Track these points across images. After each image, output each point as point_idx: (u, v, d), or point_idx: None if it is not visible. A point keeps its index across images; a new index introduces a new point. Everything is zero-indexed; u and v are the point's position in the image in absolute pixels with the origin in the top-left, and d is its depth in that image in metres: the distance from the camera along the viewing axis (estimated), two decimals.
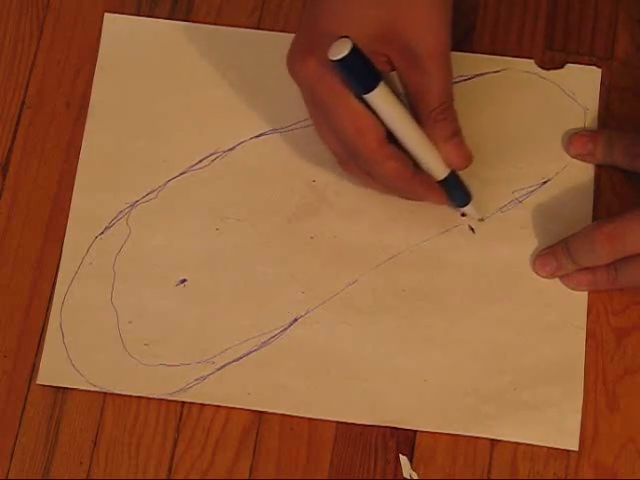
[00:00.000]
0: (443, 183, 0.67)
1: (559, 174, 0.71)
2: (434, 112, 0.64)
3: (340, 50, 0.60)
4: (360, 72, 0.61)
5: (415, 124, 0.65)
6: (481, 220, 0.70)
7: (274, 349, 0.69)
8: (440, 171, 0.66)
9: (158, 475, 0.67)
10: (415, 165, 0.66)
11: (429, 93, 0.64)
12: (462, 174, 0.69)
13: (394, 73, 0.65)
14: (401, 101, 0.64)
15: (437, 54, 0.64)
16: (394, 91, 0.63)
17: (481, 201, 0.70)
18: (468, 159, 0.67)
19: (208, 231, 0.71)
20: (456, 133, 0.66)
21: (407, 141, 0.65)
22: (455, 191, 0.68)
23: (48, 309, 0.70)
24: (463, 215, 0.71)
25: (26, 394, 0.69)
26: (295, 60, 0.64)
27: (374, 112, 0.63)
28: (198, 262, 0.70)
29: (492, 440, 0.67)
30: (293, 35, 0.70)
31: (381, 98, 0.62)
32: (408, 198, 0.69)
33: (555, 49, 0.74)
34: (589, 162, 0.71)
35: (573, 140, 0.71)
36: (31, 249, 0.71)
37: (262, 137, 0.73)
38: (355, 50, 0.60)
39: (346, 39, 0.60)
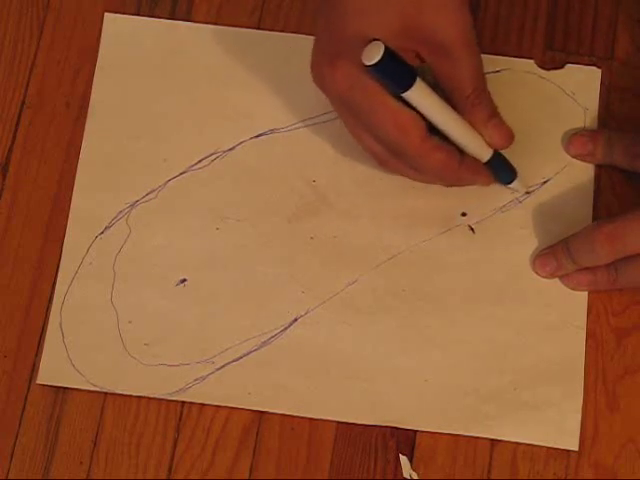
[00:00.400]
0: (489, 164, 0.68)
1: (559, 174, 0.71)
2: (470, 97, 0.65)
3: (373, 54, 0.60)
4: (396, 73, 0.62)
5: (454, 112, 0.65)
6: (527, 193, 0.71)
7: (274, 349, 0.69)
8: (485, 153, 0.67)
9: (158, 475, 0.67)
10: (460, 152, 0.66)
11: (462, 80, 0.65)
12: None
13: (424, 65, 0.65)
14: (437, 92, 0.64)
15: (464, 41, 0.64)
16: (429, 84, 0.64)
17: (480, 199, 0.70)
18: (510, 137, 0.67)
19: (208, 231, 0.71)
20: (494, 114, 0.67)
21: (450, 130, 0.65)
22: (501, 170, 0.69)
23: (48, 309, 0.70)
24: (463, 215, 0.71)
25: (26, 394, 0.69)
26: (322, 67, 0.64)
27: (412, 108, 0.63)
28: (198, 262, 0.70)
29: (492, 440, 0.67)
30: (293, 35, 0.70)
31: (419, 94, 0.63)
32: (456, 185, 0.69)
33: (555, 49, 0.74)
34: (589, 162, 0.71)
35: (573, 140, 0.71)
36: (31, 249, 0.71)
37: (262, 137, 0.73)
38: (388, 52, 0.60)
39: (377, 42, 0.61)
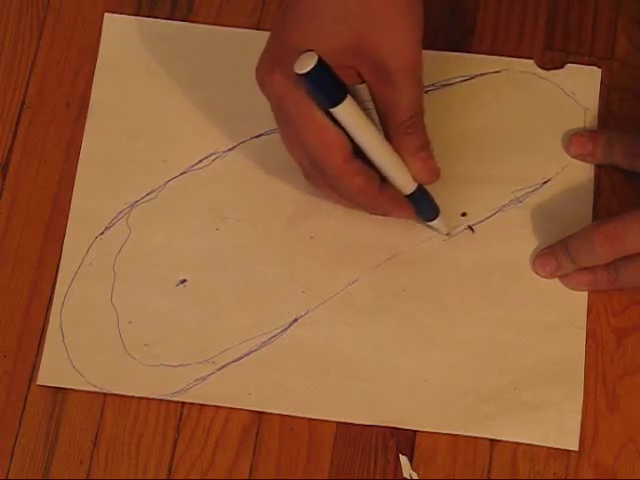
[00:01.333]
0: (411, 197, 0.66)
1: (559, 174, 0.71)
2: (403, 125, 0.64)
3: (306, 64, 0.59)
4: (326, 86, 0.61)
5: (382, 138, 0.64)
6: (448, 235, 0.70)
7: (274, 349, 0.69)
8: (408, 185, 0.66)
9: (158, 475, 0.67)
10: (382, 179, 0.65)
11: (399, 106, 0.64)
12: (460, 176, 0.70)
13: (363, 86, 0.65)
14: (368, 115, 0.63)
15: (408, 67, 0.63)
16: (362, 104, 0.63)
17: (480, 200, 0.70)
18: (435, 174, 0.66)
19: (208, 231, 0.71)
20: (424, 147, 0.65)
21: (374, 155, 0.64)
22: (423, 205, 0.68)
23: (48, 309, 0.70)
24: (463, 215, 0.71)
25: (26, 394, 0.69)
26: (263, 72, 0.63)
27: (341, 126, 0.62)
28: (198, 262, 0.70)
29: (492, 440, 0.67)
30: None
31: (347, 112, 0.62)
32: (374, 213, 0.69)
33: (555, 49, 0.74)
34: (589, 162, 0.71)
35: (573, 140, 0.71)
36: (31, 249, 0.71)
37: (262, 137, 0.73)
38: (320, 64, 0.59)
39: (311, 53, 0.60)
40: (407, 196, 0.66)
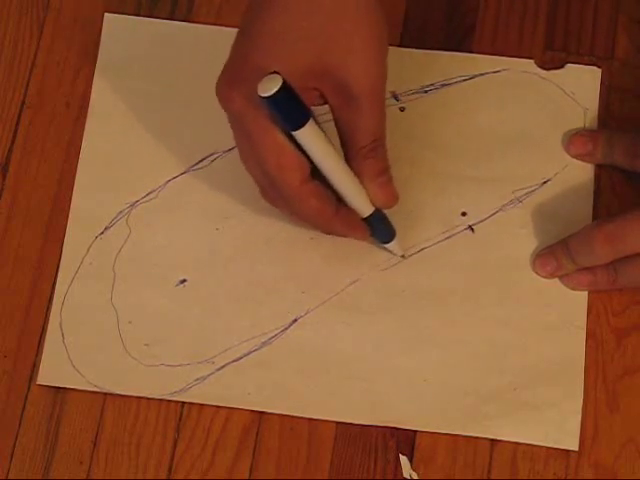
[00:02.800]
0: (367, 220, 0.66)
1: (559, 174, 0.71)
2: (364, 149, 0.63)
3: (270, 87, 0.58)
4: (289, 109, 0.60)
5: (342, 161, 0.64)
6: (402, 257, 0.70)
7: (274, 349, 0.69)
8: (365, 209, 0.66)
9: (158, 475, 0.67)
10: (339, 200, 0.65)
11: (361, 130, 0.63)
12: (460, 176, 0.70)
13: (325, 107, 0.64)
14: (328, 137, 0.63)
15: (372, 91, 0.62)
16: (321, 126, 0.62)
17: (480, 200, 0.70)
18: (393, 199, 0.66)
19: (208, 231, 0.71)
20: (384, 172, 0.65)
21: (333, 178, 0.64)
22: (379, 228, 0.68)
23: (48, 309, 0.70)
24: (463, 215, 0.71)
25: (26, 394, 0.69)
26: (223, 88, 0.62)
27: (300, 148, 0.62)
28: (198, 262, 0.70)
29: (492, 440, 0.67)
30: None
31: (309, 136, 0.61)
32: (329, 234, 0.68)
33: (555, 49, 0.74)
34: (589, 162, 0.71)
35: (573, 140, 0.71)
36: (31, 249, 0.71)
37: None
38: (285, 87, 0.58)
39: (276, 75, 0.58)
40: (364, 218, 0.66)
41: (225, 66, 0.63)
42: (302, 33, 0.61)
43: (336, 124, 0.64)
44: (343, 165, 0.64)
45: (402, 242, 0.69)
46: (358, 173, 0.64)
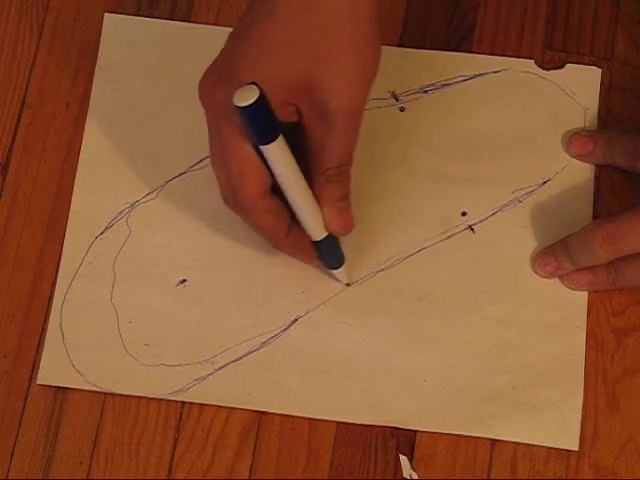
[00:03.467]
0: (318, 244, 0.66)
1: (559, 174, 0.71)
2: (328, 172, 0.63)
3: (245, 97, 0.58)
4: (261, 123, 0.59)
5: (304, 183, 0.63)
6: (347, 285, 0.69)
7: (274, 349, 0.69)
8: (318, 233, 0.65)
9: (158, 475, 0.67)
10: (294, 219, 0.65)
11: (329, 152, 0.62)
12: (460, 176, 0.70)
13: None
14: (295, 154, 0.62)
15: (349, 113, 0.62)
16: (289, 142, 0.61)
17: (480, 200, 0.70)
18: (349, 227, 0.65)
19: (208, 231, 0.71)
20: (344, 198, 0.64)
21: (291, 198, 0.63)
22: (329, 254, 0.67)
23: (48, 309, 0.70)
24: (463, 215, 0.71)
25: (26, 394, 0.69)
26: (205, 85, 0.62)
27: (265, 161, 0.61)
28: (198, 262, 0.70)
29: (492, 440, 0.67)
30: None
31: (276, 153, 0.61)
32: (277, 249, 0.68)
33: (555, 49, 0.74)
34: (589, 162, 0.71)
35: (573, 140, 0.71)
36: (31, 249, 0.71)
37: None
38: (261, 100, 0.58)
39: (254, 87, 0.58)
40: (315, 242, 0.66)
41: (212, 65, 0.63)
42: (290, 47, 0.61)
43: (306, 142, 0.63)
44: (304, 187, 0.63)
45: (354, 268, 0.69)
46: (318, 195, 0.64)
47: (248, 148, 0.61)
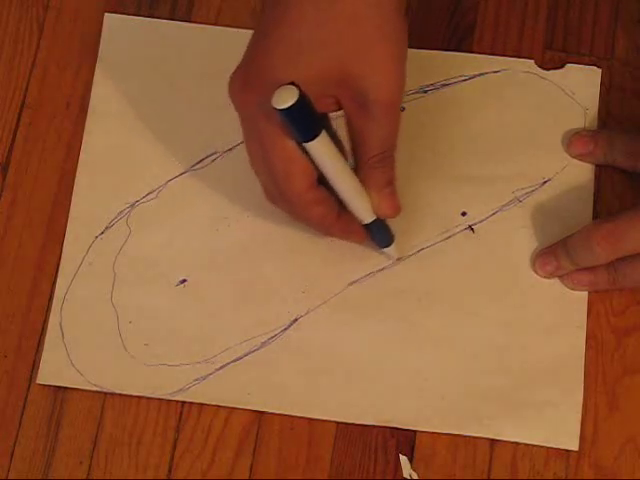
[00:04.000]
0: (367, 227, 0.67)
1: (559, 174, 0.71)
2: (373, 159, 0.63)
3: (284, 98, 0.58)
4: (302, 122, 0.60)
5: (349, 172, 0.63)
6: (398, 260, 0.70)
7: (274, 349, 0.69)
8: (367, 217, 0.66)
9: (158, 475, 0.67)
10: (341, 205, 0.65)
11: (372, 139, 0.63)
12: (460, 176, 0.70)
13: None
14: (337, 146, 0.63)
15: (388, 101, 0.62)
16: (332, 133, 0.62)
17: (480, 200, 0.70)
18: (396, 210, 0.66)
19: (208, 231, 0.71)
20: (390, 183, 0.65)
21: (338, 187, 0.64)
22: (379, 234, 0.68)
23: (48, 309, 0.70)
24: (463, 215, 0.71)
25: (26, 394, 0.69)
26: (235, 89, 0.62)
27: (309, 156, 0.62)
28: (198, 262, 0.70)
29: (492, 440, 0.67)
30: None
31: (319, 148, 0.61)
32: (328, 236, 0.69)
33: (555, 49, 0.74)
34: (589, 162, 0.71)
35: (573, 140, 0.71)
36: (31, 249, 0.71)
37: None
38: (301, 100, 0.58)
39: (292, 87, 0.58)
40: (365, 225, 0.66)
41: (239, 67, 0.63)
42: (320, 42, 0.61)
43: (348, 130, 0.64)
44: (349, 175, 0.64)
45: (401, 244, 0.69)
46: (364, 182, 0.64)
47: (290, 145, 0.61)
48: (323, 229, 0.67)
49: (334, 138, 0.63)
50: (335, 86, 0.62)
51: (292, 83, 0.58)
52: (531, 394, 0.67)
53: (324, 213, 0.65)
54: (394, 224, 0.68)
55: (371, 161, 0.63)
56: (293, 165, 0.62)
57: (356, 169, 0.64)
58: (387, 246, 0.69)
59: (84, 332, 0.69)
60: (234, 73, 0.63)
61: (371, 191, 0.65)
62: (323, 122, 0.61)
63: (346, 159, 0.64)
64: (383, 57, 0.62)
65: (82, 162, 0.73)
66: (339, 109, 0.64)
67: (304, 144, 0.61)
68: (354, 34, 0.61)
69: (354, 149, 0.64)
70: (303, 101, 0.58)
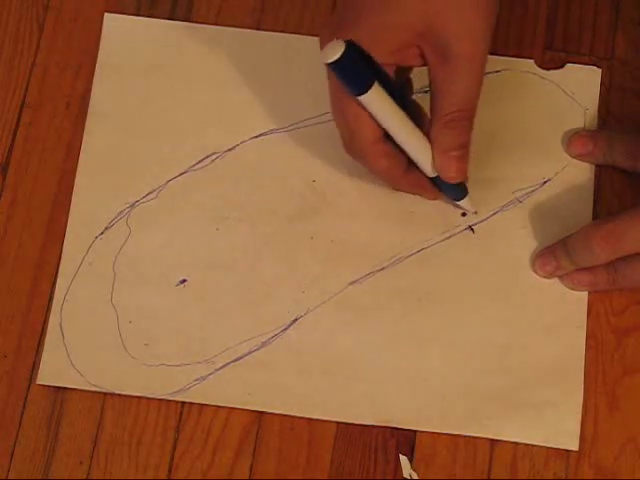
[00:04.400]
0: (435, 180, 0.67)
1: (559, 174, 0.71)
2: (448, 116, 0.63)
3: (332, 53, 0.59)
4: (351, 75, 0.61)
5: (410, 126, 0.64)
6: (475, 213, 0.70)
7: (274, 349, 0.69)
8: (430, 171, 0.66)
9: (158, 475, 0.67)
10: (409, 162, 0.66)
11: (451, 95, 0.63)
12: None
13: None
14: (404, 102, 0.64)
15: (471, 57, 0.62)
16: (395, 88, 0.63)
17: (480, 200, 0.70)
18: (458, 174, 0.65)
19: (208, 231, 0.71)
20: (460, 146, 0.64)
21: (401, 142, 0.65)
22: (449, 188, 0.68)
23: (48, 309, 0.70)
24: (463, 215, 0.71)
25: (26, 394, 0.69)
26: (324, 38, 0.63)
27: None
28: (198, 262, 0.70)
29: (492, 440, 0.67)
30: (293, 35, 0.70)
31: (373, 101, 0.62)
32: (399, 190, 0.70)
33: (555, 49, 0.74)
34: (589, 162, 0.71)
35: (573, 140, 0.71)
36: (31, 249, 0.71)
37: (262, 137, 0.73)
38: (348, 53, 0.59)
39: (340, 41, 0.59)
40: (432, 179, 0.67)
41: (331, 17, 0.64)
42: None
43: (430, 85, 0.64)
44: (411, 129, 0.64)
45: (472, 201, 0.70)
46: (434, 139, 0.64)
47: (353, 100, 0.62)
48: (392, 182, 0.68)
49: (399, 94, 0.63)
50: (419, 37, 0.62)
51: (349, 41, 0.59)
52: (531, 394, 0.67)
53: (390, 166, 0.65)
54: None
55: (445, 118, 0.63)
56: (359, 117, 0.63)
57: (430, 126, 0.64)
58: (460, 199, 0.69)
59: (84, 332, 0.69)
60: (324, 23, 0.64)
61: (436, 150, 0.64)
62: (374, 77, 0.61)
63: (421, 117, 0.65)
64: (469, 11, 0.62)
65: (82, 162, 0.73)
66: (423, 64, 0.64)
67: (359, 98, 0.62)
68: None
69: (432, 105, 0.64)
70: (351, 55, 0.59)
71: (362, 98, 0.62)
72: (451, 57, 0.62)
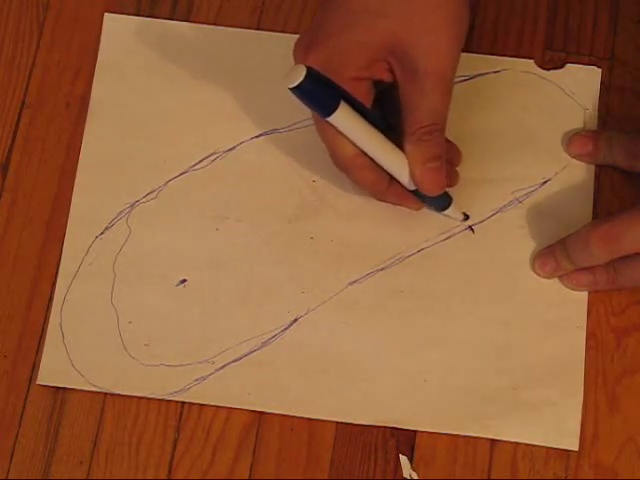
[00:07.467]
0: (416, 193, 0.67)
1: (559, 174, 0.71)
2: (420, 130, 0.64)
3: (295, 77, 0.60)
4: (316, 99, 0.62)
5: (384, 141, 0.64)
6: (466, 218, 0.70)
7: (274, 349, 0.69)
8: (410, 185, 0.66)
9: (158, 475, 0.67)
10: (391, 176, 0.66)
11: (420, 110, 0.63)
12: (460, 176, 0.70)
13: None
14: (373, 118, 0.64)
15: (439, 73, 0.63)
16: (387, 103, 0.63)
17: (480, 200, 0.70)
18: (438, 187, 0.66)
19: (208, 231, 0.71)
20: (435, 158, 0.65)
21: (376, 158, 0.65)
22: (432, 199, 0.68)
23: (48, 309, 0.70)
24: (466, 217, 0.71)
25: (26, 394, 0.69)
26: (298, 54, 0.64)
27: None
28: (198, 262, 0.70)
29: (492, 440, 0.67)
30: (293, 35, 0.70)
31: (341, 121, 0.63)
32: (384, 202, 0.70)
33: (555, 49, 0.74)
34: (589, 162, 0.71)
35: (573, 140, 0.71)
36: (31, 249, 0.71)
37: (262, 137, 0.73)
38: (310, 78, 0.60)
39: (301, 65, 0.60)
40: (413, 191, 0.67)
41: (304, 33, 0.65)
42: (377, 10, 0.62)
43: (400, 101, 0.64)
44: (384, 146, 0.65)
45: (459, 207, 0.70)
46: (410, 154, 0.65)
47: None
48: (377, 194, 0.68)
49: (368, 112, 0.64)
50: (389, 53, 0.63)
51: (307, 66, 0.60)
52: (531, 394, 0.67)
53: (374, 178, 0.66)
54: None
55: (418, 133, 0.64)
56: (334, 137, 0.64)
57: (404, 141, 0.65)
58: (444, 209, 0.69)
59: (84, 332, 0.69)
60: (299, 39, 0.65)
61: (413, 164, 0.65)
62: (338, 98, 0.62)
63: (396, 132, 0.65)
64: (437, 29, 0.63)
65: (82, 162, 0.73)
66: (392, 78, 0.64)
67: (328, 119, 0.62)
68: (412, 5, 0.62)
69: (404, 121, 0.64)
70: (313, 80, 0.60)
71: (330, 119, 0.62)
72: (420, 74, 0.63)
